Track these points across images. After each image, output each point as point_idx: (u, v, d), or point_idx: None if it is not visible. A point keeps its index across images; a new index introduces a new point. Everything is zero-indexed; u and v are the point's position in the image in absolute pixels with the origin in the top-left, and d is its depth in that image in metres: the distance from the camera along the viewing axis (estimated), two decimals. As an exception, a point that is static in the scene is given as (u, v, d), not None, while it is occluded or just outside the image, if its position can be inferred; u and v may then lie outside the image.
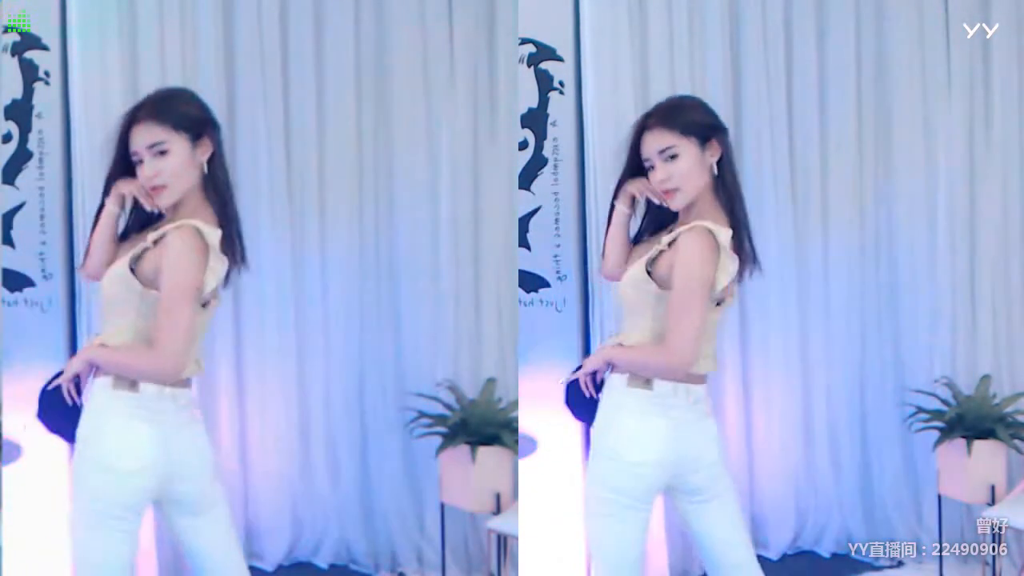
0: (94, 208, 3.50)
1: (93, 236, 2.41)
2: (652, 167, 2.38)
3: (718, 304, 2.37)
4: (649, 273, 2.34)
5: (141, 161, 2.29)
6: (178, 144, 2.28)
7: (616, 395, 2.38)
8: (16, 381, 3.43)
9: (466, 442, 3.67)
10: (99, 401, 2.26)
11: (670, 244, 2.33)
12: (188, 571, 3.71)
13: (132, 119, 2.30)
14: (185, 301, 2.21)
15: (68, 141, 3.58)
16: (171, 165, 2.27)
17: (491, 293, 4.03)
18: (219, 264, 2.26)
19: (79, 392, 2.31)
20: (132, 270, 2.24)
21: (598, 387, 2.46)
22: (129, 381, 2.24)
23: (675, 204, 2.38)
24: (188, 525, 2.36)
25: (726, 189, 2.37)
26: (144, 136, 2.28)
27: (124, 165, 2.33)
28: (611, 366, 2.41)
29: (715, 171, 2.37)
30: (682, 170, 2.34)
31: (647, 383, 2.34)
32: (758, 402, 4.07)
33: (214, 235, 2.24)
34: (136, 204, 2.38)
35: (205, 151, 2.31)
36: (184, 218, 2.27)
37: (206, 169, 2.31)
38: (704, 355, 2.36)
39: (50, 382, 2.35)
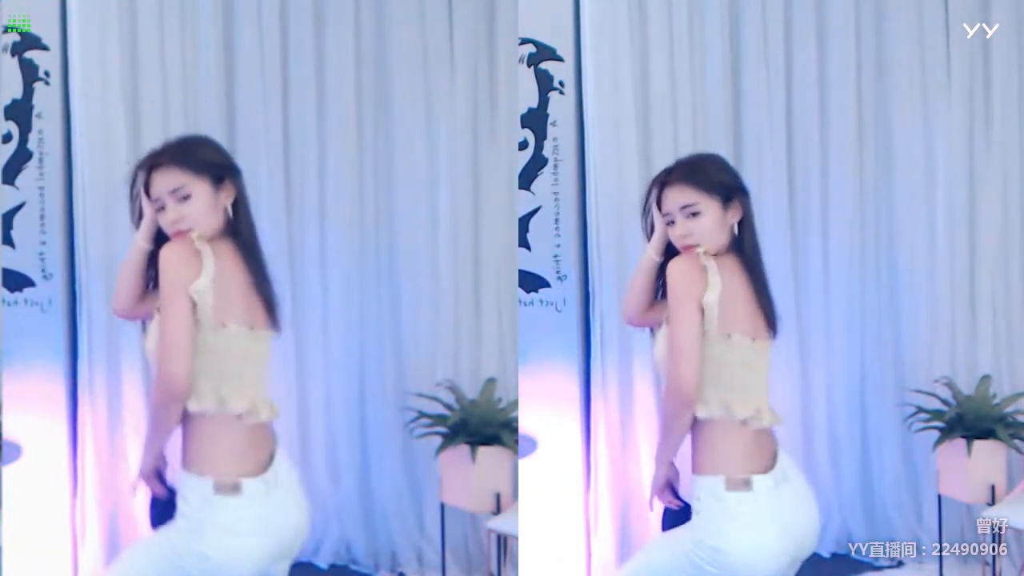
0: (94, 208, 3.59)
1: (123, 275, 2.35)
2: (672, 222, 2.36)
3: (754, 340, 2.31)
4: None
5: (163, 208, 2.24)
6: (200, 188, 2.22)
7: (718, 503, 2.26)
8: (16, 381, 3.43)
9: (466, 442, 3.67)
10: (199, 508, 2.14)
11: None
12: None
13: (152, 165, 2.26)
14: (172, 304, 2.12)
15: (68, 141, 3.58)
16: (194, 209, 2.21)
17: (491, 293, 4.03)
18: (210, 263, 2.16)
19: (163, 481, 2.24)
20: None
21: (677, 494, 2.40)
22: (231, 484, 2.14)
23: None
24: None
25: (744, 251, 2.35)
26: (165, 181, 2.23)
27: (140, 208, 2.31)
28: (668, 464, 2.35)
29: (735, 232, 2.35)
30: (704, 227, 2.31)
31: (746, 484, 2.27)
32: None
33: (201, 238, 2.19)
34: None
35: (228, 195, 2.26)
36: None
37: (230, 213, 2.26)
38: (758, 406, 2.30)
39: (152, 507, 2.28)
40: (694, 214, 2.32)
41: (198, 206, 2.22)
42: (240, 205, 2.29)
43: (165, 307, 2.14)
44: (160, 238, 2.29)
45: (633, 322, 2.50)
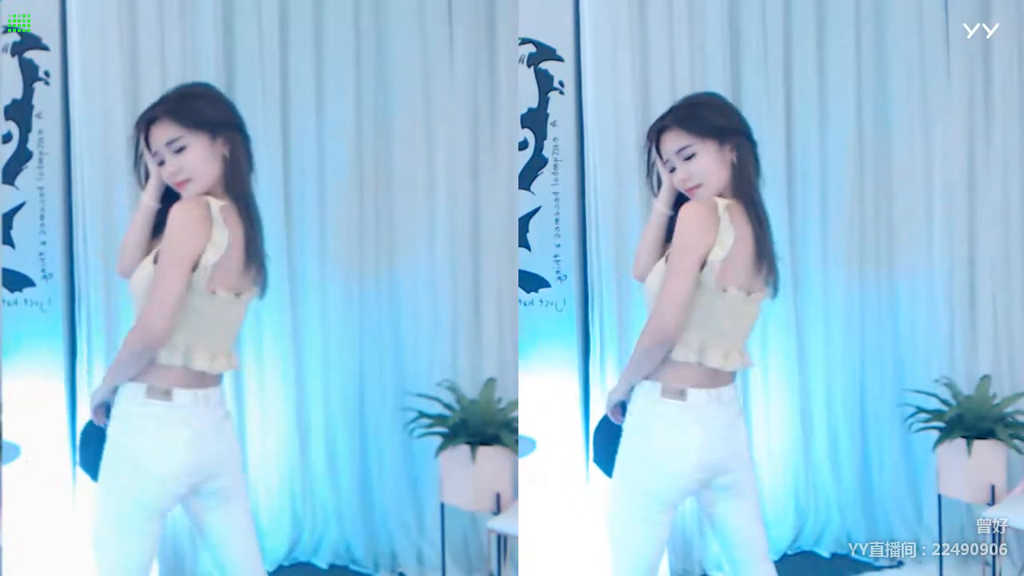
0: (94, 208, 3.58)
1: (130, 233, 2.40)
2: (673, 168, 2.40)
3: (749, 295, 2.37)
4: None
5: (163, 161, 2.30)
6: (195, 139, 2.28)
7: (649, 404, 2.38)
8: (16, 381, 3.43)
9: (466, 442, 3.67)
10: (131, 407, 2.27)
11: None
12: (188, 571, 3.72)
13: (149, 119, 2.31)
14: (175, 267, 2.19)
15: (68, 141, 3.58)
16: (191, 159, 2.28)
17: (491, 294, 4.03)
18: (222, 237, 2.24)
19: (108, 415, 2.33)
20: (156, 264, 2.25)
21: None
22: (162, 390, 2.25)
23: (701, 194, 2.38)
24: (212, 518, 2.38)
25: (743, 195, 2.36)
26: (161, 134, 2.29)
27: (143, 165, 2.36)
28: (629, 388, 2.43)
29: (736, 173, 2.38)
30: (701, 168, 2.36)
31: (680, 394, 2.35)
32: (758, 402, 4.06)
33: (216, 205, 2.25)
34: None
35: (224, 146, 2.31)
36: None
37: (229, 159, 2.31)
38: (729, 350, 2.37)
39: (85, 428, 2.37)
40: (689, 157, 2.36)
41: (194, 157, 2.28)
42: (236, 157, 2.32)
43: (166, 266, 2.20)
44: (168, 196, 2.34)
45: (644, 279, 2.50)
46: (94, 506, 2.31)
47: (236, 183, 2.31)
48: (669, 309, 2.29)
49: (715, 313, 2.34)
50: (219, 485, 2.35)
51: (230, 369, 2.35)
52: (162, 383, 2.26)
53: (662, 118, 2.43)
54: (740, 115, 2.44)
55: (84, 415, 3.56)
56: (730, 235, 2.30)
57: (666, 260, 2.36)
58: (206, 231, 2.22)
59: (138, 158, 2.37)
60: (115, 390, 2.30)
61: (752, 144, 2.42)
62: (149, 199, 2.36)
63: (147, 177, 2.37)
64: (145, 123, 2.32)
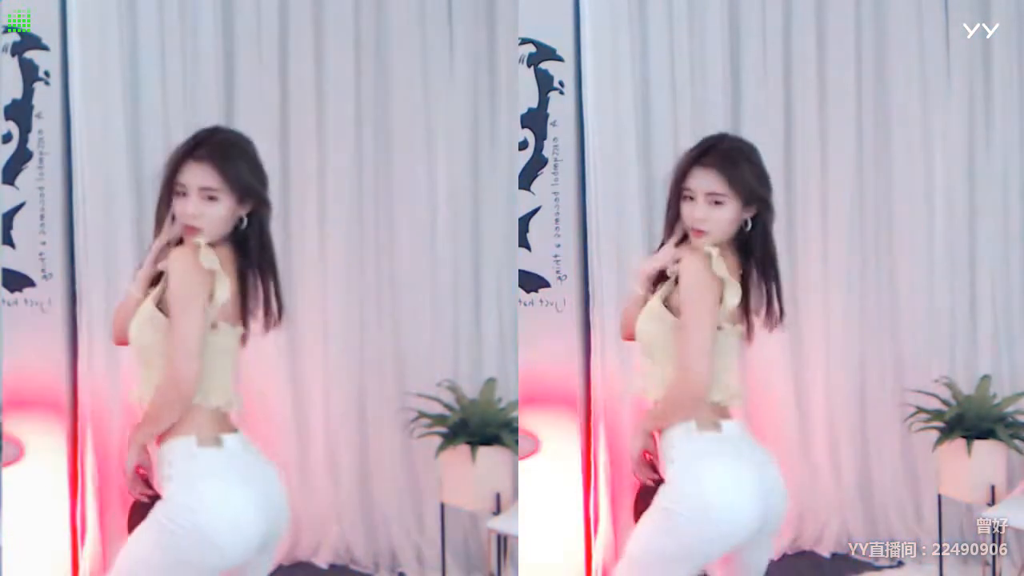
0: (94, 208, 3.58)
1: (120, 313, 2.34)
2: (692, 199, 2.35)
3: (734, 325, 2.38)
4: (666, 306, 2.35)
5: (185, 194, 2.23)
6: (227, 196, 2.23)
7: (688, 443, 2.32)
8: (16, 381, 3.43)
9: (466, 442, 3.67)
10: (184, 463, 2.17)
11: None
12: None
13: (190, 153, 2.24)
14: (188, 311, 2.15)
15: (68, 141, 3.58)
16: (216, 213, 2.22)
17: (491, 293, 4.03)
18: (224, 279, 2.20)
19: (149, 485, 2.24)
20: (159, 309, 2.20)
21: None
22: (213, 437, 2.18)
23: (699, 243, 2.35)
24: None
25: (754, 253, 2.37)
26: (199, 177, 2.22)
27: (169, 197, 2.28)
28: (652, 435, 2.39)
29: (748, 226, 2.36)
30: (722, 219, 2.33)
31: (715, 425, 2.33)
32: (757, 402, 4.06)
33: (211, 254, 2.19)
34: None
35: (245, 210, 2.26)
36: None
37: (245, 224, 2.27)
38: (728, 390, 2.37)
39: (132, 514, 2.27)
40: (717, 203, 2.33)
41: (221, 210, 2.23)
42: (257, 224, 2.28)
43: (180, 313, 2.15)
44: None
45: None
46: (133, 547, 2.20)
47: (249, 248, 2.28)
48: (700, 365, 2.26)
49: (722, 351, 2.35)
50: (268, 559, 2.28)
51: (236, 410, 2.28)
52: (208, 431, 2.19)
53: (703, 154, 2.36)
54: (769, 180, 2.39)
55: (84, 415, 3.57)
56: (736, 285, 2.30)
57: (664, 306, 2.35)
58: (207, 273, 2.17)
59: (168, 195, 2.27)
60: (147, 454, 2.21)
61: (772, 213, 2.39)
62: (138, 292, 2.28)
63: (170, 216, 2.29)
64: (184, 158, 2.24)
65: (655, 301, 2.37)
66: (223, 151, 2.25)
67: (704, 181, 2.33)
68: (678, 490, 2.28)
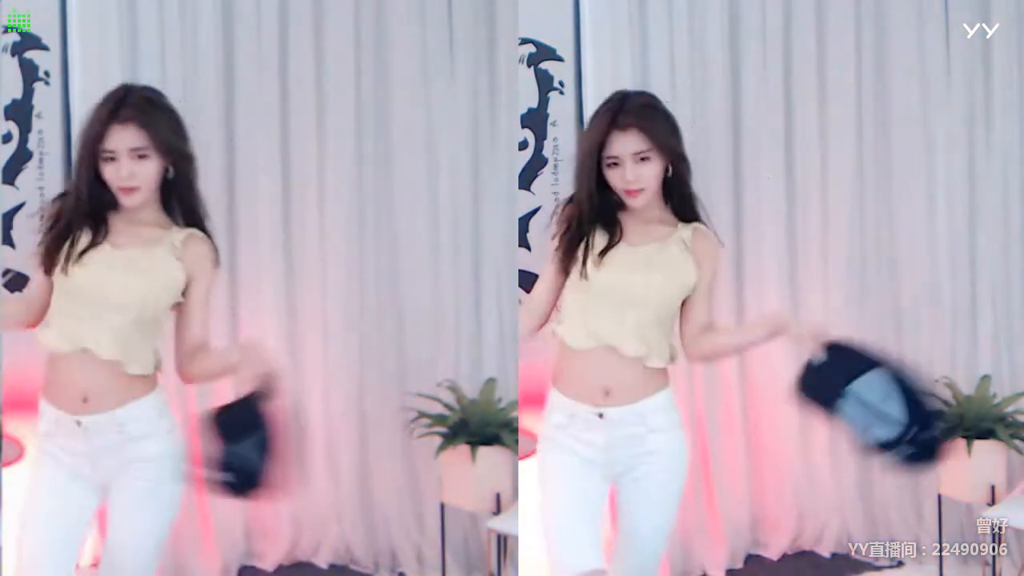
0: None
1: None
2: (617, 164, 2.47)
3: None
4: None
5: (114, 159, 2.33)
6: (154, 153, 2.35)
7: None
8: (16, 381, 3.43)
9: (466, 442, 3.67)
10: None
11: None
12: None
13: (114, 117, 2.32)
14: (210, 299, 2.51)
15: (68, 141, 3.58)
16: (149, 171, 2.36)
17: (491, 293, 4.03)
18: None
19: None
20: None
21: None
22: None
23: (637, 203, 2.49)
24: None
25: (680, 192, 2.55)
26: (127, 139, 2.32)
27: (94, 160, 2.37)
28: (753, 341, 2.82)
29: (668, 173, 2.51)
30: (651, 174, 2.47)
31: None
32: (758, 402, 4.06)
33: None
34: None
35: (169, 162, 2.40)
36: (144, 217, 2.41)
37: (171, 174, 2.41)
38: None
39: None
40: (644, 159, 2.45)
41: (153, 168, 2.36)
42: (182, 176, 2.43)
43: (209, 303, 2.49)
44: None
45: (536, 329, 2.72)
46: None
47: (183, 199, 2.46)
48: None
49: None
50: None
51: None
52: None
53: (618, 114, 2.48)
54: (681, 140, 2.54)
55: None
56: None
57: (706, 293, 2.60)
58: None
59: (91, 165, 2.36)
60: None
61: (686, 162, 2.54)
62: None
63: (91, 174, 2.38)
64: (107, 123, 2.33)
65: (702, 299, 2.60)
66: (144, 109, 2.35)
67: (628, 143, 2.44)
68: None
